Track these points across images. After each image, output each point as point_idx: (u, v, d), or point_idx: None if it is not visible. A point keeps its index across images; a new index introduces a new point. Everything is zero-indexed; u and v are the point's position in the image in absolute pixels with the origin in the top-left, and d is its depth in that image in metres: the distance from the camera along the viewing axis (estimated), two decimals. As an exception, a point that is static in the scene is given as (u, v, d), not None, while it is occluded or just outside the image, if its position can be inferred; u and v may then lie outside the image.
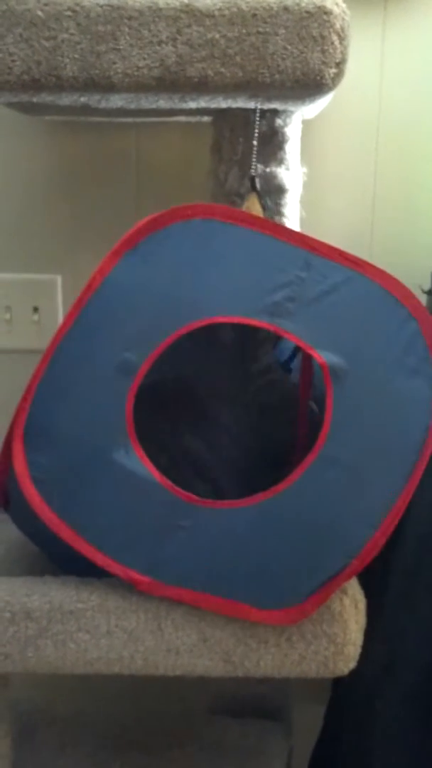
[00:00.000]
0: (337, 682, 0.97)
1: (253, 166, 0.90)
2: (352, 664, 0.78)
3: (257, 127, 0.89)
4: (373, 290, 0.74)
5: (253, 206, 0.89)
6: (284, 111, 0.90)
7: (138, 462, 0.74)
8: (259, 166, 0.90)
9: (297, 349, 0.96)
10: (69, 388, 0.74)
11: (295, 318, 0.74)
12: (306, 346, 0.74)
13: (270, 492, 0.74)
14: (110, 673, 0.79)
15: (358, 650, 0.78)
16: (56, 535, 0.74)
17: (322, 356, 0.73)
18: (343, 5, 0.80)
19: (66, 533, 0.74)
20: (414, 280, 0.78)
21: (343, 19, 0.79)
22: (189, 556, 0.74)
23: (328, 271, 0.74)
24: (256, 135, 0.89)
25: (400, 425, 0.75)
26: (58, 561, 0.84)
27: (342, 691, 0.98)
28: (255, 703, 1.08)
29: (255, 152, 0.90)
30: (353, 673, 0.80)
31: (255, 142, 0.89)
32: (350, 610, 0.77)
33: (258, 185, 0.90)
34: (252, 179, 0.90)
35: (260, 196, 0.89)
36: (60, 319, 1.15)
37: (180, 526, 0.74)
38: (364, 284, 0.74)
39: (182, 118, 1.02)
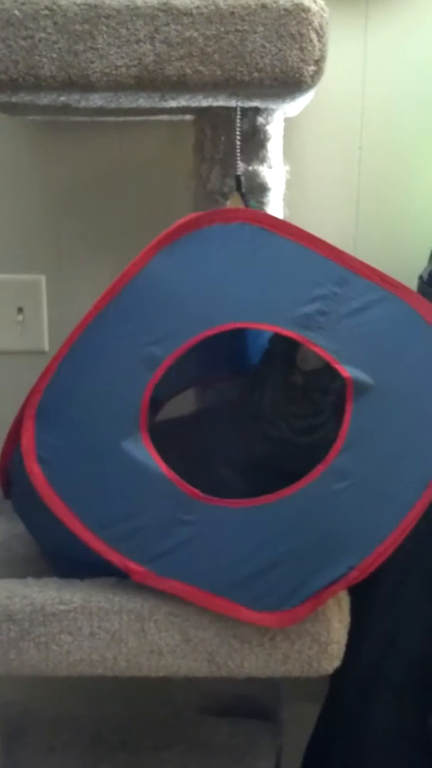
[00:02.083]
0: (332, 680, 0.97)
1: (238, 166, 0.90)
2: (337, 663, 0.78)
3: (240, 125, 0.89)
4: (405, 312, 0.76)
5: (236, 205, 0.89)
6: (265, 109, 0.90)
7: (146, 454, 0.74)
8: (241, 165, 0.90)
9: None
10: (89, 373, 0.75)
11: (325, 332, 0.75)
12: (332, 359, 0.74)
13: (277, 495, 0.74)
14: (94, 675, 0.78)
15: (343, 649, 0.78)
16: (56, 519, 0.74)
17: (347, 371, 0.74)
18: (322, 2, 0.80)
19: (66, 516, 0.74)
20: (400, 280, 0.78)
21: (322, 16, 0.79)
22: (188, 551, 0.74)
23: (362, 289, 0.75)
24: (239, 134, 0.89)
25: (418, 445, 0.75)
26: (52, 553, 0.84)
27: (334, 689, 0.98)
28: (244, 702, 1.08)
29: (239, 151, 0.89)
30: (345, 671, 0.80)
31: (239, 142, 0.89)
32: (333, 609, 0.77)
33: (243, 185, 0.90)
34: (237, 179, 0.89)
35: (244, 197, 0.89)
36: (45, 319, 1.15)
37: (183, 520, 0.74)
38: (397, 305, 0.76)
39: (164, 117, 1.02)
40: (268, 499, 0.74)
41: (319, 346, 0.75)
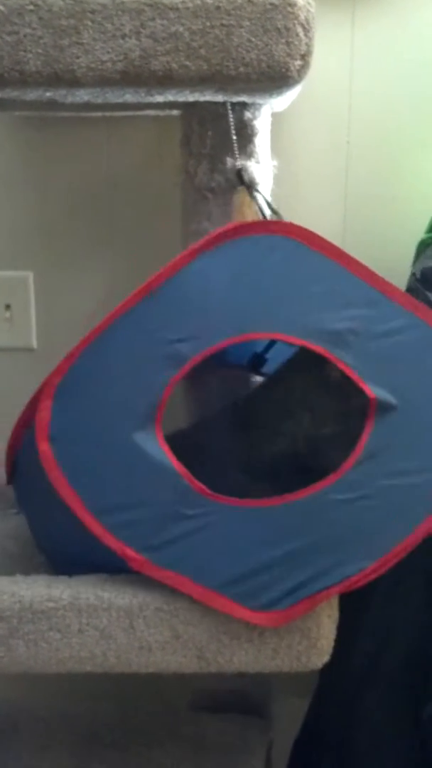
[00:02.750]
0: (323, 675, 0.97)
1: (237, 160, 0.90)
2: (326, 658, 0.78)
3: (232, 120, 0.89)
4: None
5: (244, 200, 0.88)
6: (252, 104, 0.90)
7: (158, 447, 0.75)
8: (229, 160, 0.90)
9: (271, 343, 0.96)
10: (113, 361, 0.75)
11: (353, 351, 0.76)
12: (357, 378, 0.76)
13: (282, 498, 0.75)
14: (83, 672, 0.78)
15: (332, 644, 0.78)
16: (58, 501, 0.75)
17: (372, 391, 0.75)
18: (309, -4, 0.80)
19: (69, 497, 0.75)
20: (387, 275, 0.79)
21: (308, 10, 0.79)
22: (188, 544, 0.75)
23: (393, 314, 0.77)
24: (233, 128, 0.89)
25: None
26: (49, 542, 0.84)
27: (327, 684, 0.98)
28: (235, 698, 1.08)
29: (235, 146, 0.89)
30: (340, 666, 0.81)
31: (234, 136, 0.89)
32: (323, 604, 0.77)
33: (246, 178, 0.89)
34: (238, 172, 0.89)
35: (249, 189, 0.89)
36: (33, 316, 1.15)
37: (186, 515, 0.74)
38: (425, 333, 0.77)
39: (152, 112, 1.02)
40: (273, 501, 0.75)
41: (346, 364, 0.76)
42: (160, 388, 0.75)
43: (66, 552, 0.81)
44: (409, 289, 0.93)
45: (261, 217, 0.87)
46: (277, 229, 0.77)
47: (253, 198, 0.88)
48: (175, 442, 0.76)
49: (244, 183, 0.89)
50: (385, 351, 0.77)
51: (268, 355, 0.98)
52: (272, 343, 0.96)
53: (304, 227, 0.77)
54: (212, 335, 0.75)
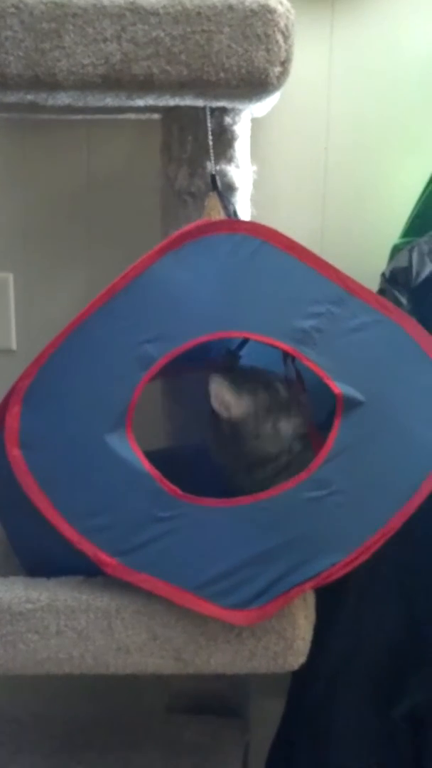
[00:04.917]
0: (297, 676, 0.97)
1: (212, 165, 0.90)
2: (302, 659, 0.79)
3: (210, 125, 0.89)
4: (399, 336, 0.78)
5: (215, 206, 0.89)
6: (232, 109, 0.91)
7: (129, 450, 0.75)
8: (209, 164, 0.90)
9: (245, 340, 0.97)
10: (82, 364, 0.75)
11: (319, 348, 0.77)
12: (324, 375, 0.76)
13: (252, 497, 0.75)
14: (61, 673, 0.78)
15: (308, 645, 0.79)
16: (31, 507, 0.75)
17: (338, 387, 0.76)
18: (288, 4, 0.81)
19: (42, 503, 0.75)
20: (363, 278, 0.80)
21: (288, 17, 0.80)
22: (162, 546, 0.75)
23: (359, 311, 0.77)
24: (210, 133, 0.89)
25: (401, 465, 0.77)
26: (23, 547, 0.84)
27: (301, 684, 0.98)
28: (213, 700, 1.08)
29: (212, 151, 0.90)
30: (314, 665, 0.81)
31: (211, 142, 0.89)
32: (299, 605, 0.78)
33: (219, 184, 0.90)
34: (212, 178, 0.90)
35: (221, 195, 0.90)
36: (12, 317, 1.15)
37: (159, 517, 0.75)
38: (391, 329, 0.78)
39: (132, 116, 1.02)
40: (244, 500, 0.75)
41: (312, 361, 0.76)
42: (130, 390, 0.75)
43: (41, 557, 0.81)
44: (380, 291, 0.94)
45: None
46: (241, 228, 0.78)
47: (224, 204, 0.89)
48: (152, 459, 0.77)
49: (216, 188, 0.89)
50: (351, 348, 0.77)
51: (242, 353, 0.99)
52: (246, 340, 0.97)
53: (269, 227, 0.77)
54: (180, 335, 0.75)
